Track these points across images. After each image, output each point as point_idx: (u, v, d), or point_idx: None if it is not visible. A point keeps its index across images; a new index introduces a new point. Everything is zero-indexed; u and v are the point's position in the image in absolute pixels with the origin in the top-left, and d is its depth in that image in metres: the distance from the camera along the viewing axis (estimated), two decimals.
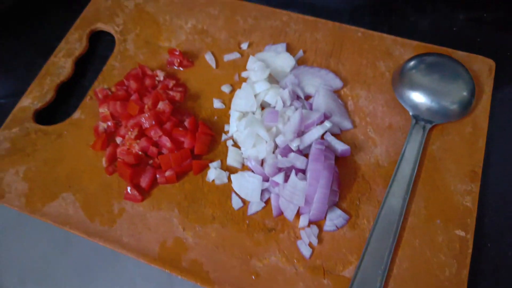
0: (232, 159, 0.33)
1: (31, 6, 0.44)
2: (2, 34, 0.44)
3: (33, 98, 0.38)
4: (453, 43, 0.39)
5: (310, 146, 0.32)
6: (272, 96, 0.34)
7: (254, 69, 0.36)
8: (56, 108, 0.39)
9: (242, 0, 0.43)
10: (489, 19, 0.41)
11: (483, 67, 0.37)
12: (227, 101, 0.37)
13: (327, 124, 0.32)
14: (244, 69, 0.38)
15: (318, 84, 0.36)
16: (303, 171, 0.31)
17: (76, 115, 0.37)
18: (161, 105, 0.34)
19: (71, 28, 0.42)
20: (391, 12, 0.42)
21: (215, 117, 0.36)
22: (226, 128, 0.36)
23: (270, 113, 0.33)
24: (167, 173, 0.32)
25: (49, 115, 0.38)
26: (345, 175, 0.33)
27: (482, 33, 0.40)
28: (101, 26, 0.42)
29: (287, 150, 0.31)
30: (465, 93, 0.34)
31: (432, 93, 0.34)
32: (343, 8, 0.43)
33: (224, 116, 0.36)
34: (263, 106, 0.36)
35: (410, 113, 0.35)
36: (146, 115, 0.33)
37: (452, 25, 0.41)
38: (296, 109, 0.33)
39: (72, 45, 0.41)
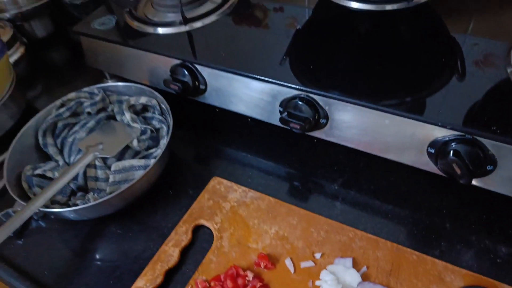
0: None
1: (148, 198, 0.57)
2: (127, 221, 0.56)
3: (146, 280, 0.47)
4: (497, 274, 0.46)
5: None
6: None
7: (327, 282, 0.44)
8: None
9: (316, 214, 0.53)
10: None
11: None
12: None
13: None
14: (317, 277, 0.46)
15: None
16: None
17: None
18: None
19: (180, 221, 0.54)
20: (440, 238, 0.50)
21: None
22: None
23: None
24: None
25: None
26: None
27: None
28: (203, 222, 0.54)
29: None
30: None
31: None
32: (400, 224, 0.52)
33: None
34: None
35: None
36: None
37: (495, 257, 0.48)
38: None
39: (180, 237, 0.52)
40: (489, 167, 0.45)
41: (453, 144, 0.46)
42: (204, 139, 0.68)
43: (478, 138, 0.45)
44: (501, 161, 0.45)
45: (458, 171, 0.45)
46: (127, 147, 0.60)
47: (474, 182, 0.48)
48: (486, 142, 0.45)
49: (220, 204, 0.55)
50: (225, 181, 0.58)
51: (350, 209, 0.56)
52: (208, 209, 0.54)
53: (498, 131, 0.44)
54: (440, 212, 0.53)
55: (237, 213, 0.54)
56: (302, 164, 0.63)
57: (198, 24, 0.69)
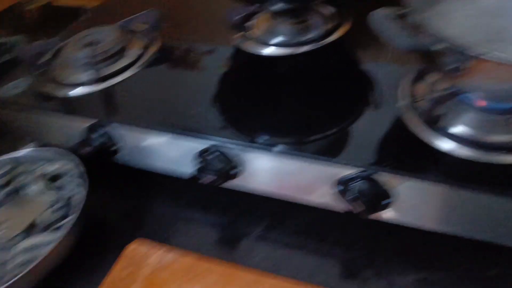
0: None
1: (65, 272, 0.55)
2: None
3: None
4: None
5: None
6: None
7: None
8: None
9: (236, 267, 0.53)
10: (433, 279, 0.50)
11: None
12: None
13: None
14: None
15: None
16: None
17: None
18: None
19: None
20: (356, 272, 0.52)
21: None
22: None
23: None
24: None
25: None
26: None
27: None
28: None
29: None
30: None
31: None
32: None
33: None
34: None
35: None
36: None
37: (403, 285, 0.49)
38: None
39: None
40: (385, 201, 0.47)
41: (351, 183, 0.48)
42: (128, 197, 0.67)
43: (371, 175, 0.47)
44: (395, 195, 0.47)
45: (357, 208, 0.46)
46: (39, 220, 0.57)
47: (376, 216, 0.50)
48: (378, 177, 0.46)
49: (136, 273, 0.53)
50: (144, 245, 0.57)
51: (272, 254, 0.56)
52: (122, 282, 0.52)
53: (389, 167, 0.46)
54: (357, 245, 0.54)
55: (156, 279, 0.52)
56: (225, 212, 0.63)
57: (114, 81, 0.68)
